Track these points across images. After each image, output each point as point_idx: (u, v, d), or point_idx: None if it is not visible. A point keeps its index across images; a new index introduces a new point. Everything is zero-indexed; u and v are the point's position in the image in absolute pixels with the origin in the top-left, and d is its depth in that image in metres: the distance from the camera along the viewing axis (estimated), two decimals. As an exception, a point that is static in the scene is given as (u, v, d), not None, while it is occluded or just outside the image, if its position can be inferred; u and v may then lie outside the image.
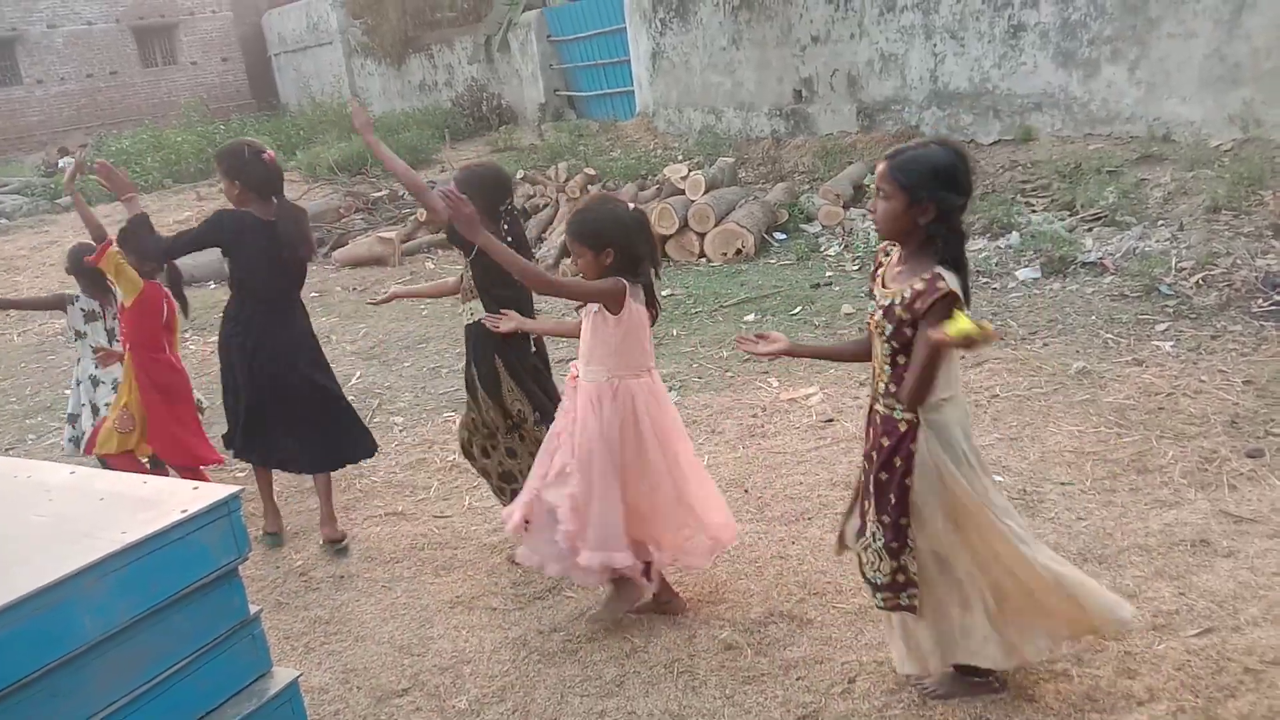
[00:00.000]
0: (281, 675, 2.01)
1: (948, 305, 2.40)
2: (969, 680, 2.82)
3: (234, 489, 1.89)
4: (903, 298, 2.49)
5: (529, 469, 3.50)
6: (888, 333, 2.56)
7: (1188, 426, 4.39)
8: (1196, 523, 3.62)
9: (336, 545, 4.27)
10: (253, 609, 1.96)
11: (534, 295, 3.78)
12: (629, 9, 13.10)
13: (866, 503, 2.73)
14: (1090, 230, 7.31)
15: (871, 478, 2.68)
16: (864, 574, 2.78)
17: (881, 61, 10.09)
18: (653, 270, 3.24)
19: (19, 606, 1.55)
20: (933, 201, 2.45)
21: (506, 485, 3.90)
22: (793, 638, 3.23)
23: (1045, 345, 5.60)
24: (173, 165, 17.76)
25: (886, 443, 2.63)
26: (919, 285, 2.46)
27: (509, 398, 3.73)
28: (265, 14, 25.91)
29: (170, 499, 1.87)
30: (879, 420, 2.68)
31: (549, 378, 3.92)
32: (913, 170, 2.46)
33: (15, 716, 1.56)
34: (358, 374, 6.63)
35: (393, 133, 15.74)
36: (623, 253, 3.09)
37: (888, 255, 2.69)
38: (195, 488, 1.92)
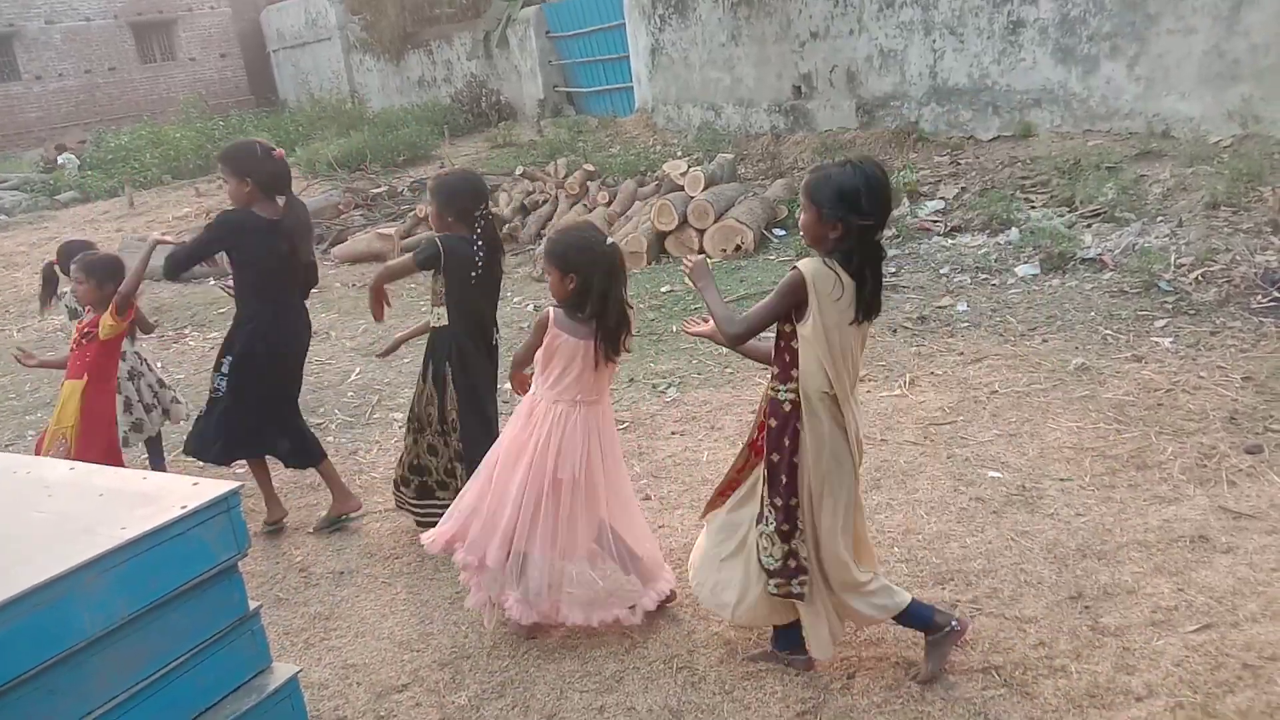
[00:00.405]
0: (281, 671, 2.01)
1: (791, 286, 2.68)
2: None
3: (234, 485, 1.89)
4: None
5: (440, 472, 3.95)
6: None
7: (1187, 422, 4.39)
8: (1195, 519, 3.62)
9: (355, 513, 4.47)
10: (252, 605, 1.96)
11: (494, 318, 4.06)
12: (628, 5, 13.08)
13: (763, 488, 2.87)
14: (1089, 226, 7.31)
15: (764, 460, 2.86)
16: (759, 561, 2.90)
17: (881, 57, 10.08)
18: (611, 307, 3.20)
19: (19, 602, 1.55)
20: (839, 220, 2.64)
21: (413, 477, 4.06)
22: (792, 633, 3.23)
23: (1044, 341, 5.60)
24: (171, 161, 17.76)
25: (774, 424, 2.82)
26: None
27: (449, 405, 3.91)
28: (264, 10, 25.87)
29: (170, 495, 1.87)
30: (766, 405, 2.88)
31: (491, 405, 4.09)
32: (821, 189, 2.67)
33: (16, 712, 1.56)
34: (357, 370, 6.62)
35: (391, 129, 15.74)
36: (582, 280, 3.18)
37: None
38: (195, 483, 1.92)
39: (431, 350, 3.97)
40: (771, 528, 2.85)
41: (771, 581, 2.88)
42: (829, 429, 2.77)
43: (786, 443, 2.80)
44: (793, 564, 2.84)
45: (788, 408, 2.80)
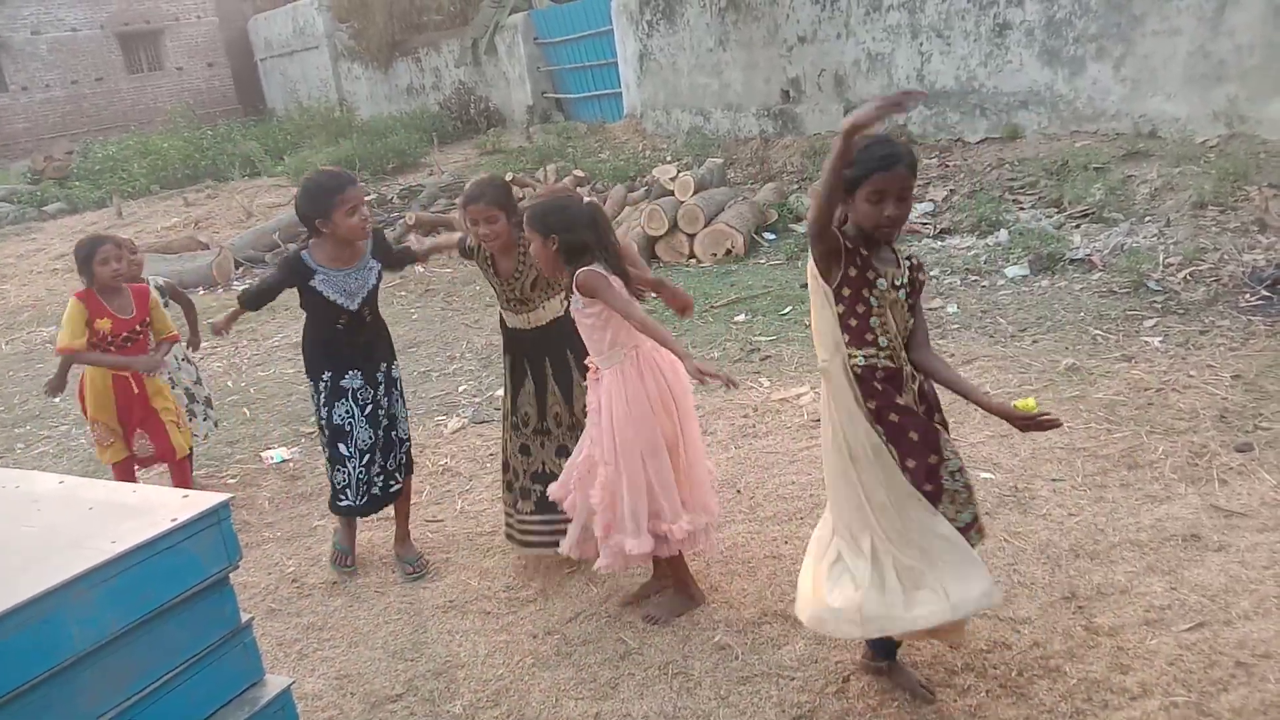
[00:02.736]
0: (274, 683, 2.00)
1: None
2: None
3: (224, 496, 1.88)
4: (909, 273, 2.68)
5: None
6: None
7: (1177, 422, 4.40)
8: (1187, 517, 3.63)
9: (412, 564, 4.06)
10: (244, 617, 1.95)
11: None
12: (616, 11, 13.10)
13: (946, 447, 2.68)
14: (1078, 227, 7.34)
15: (937, 416, 2.74)
16: (954, 520, 2.64)
17: (868, 61, 10.11)
18: (611, 252, 3.23)
19: (8, 618, 1.54)
20: None
21: (536, 485, 3.76)
22: (786, 638, 3.23)
23: (1035, 342, 5.62)
24: (160, 171, 17.71)
25: (928, 387, 2.75)
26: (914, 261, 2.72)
27: (579, 395, 3.69)
28: (251, 19, 25.85)
29: (160, 507, 1.86)
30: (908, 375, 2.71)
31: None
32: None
33: (5, 729, 1.55)
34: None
35: (381, 137, 15.73)
36: (566, 241, 3.19)
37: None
38: (185, 496, 1.91)
39: (540, 349, 3.75)
40: (962, 481, 2.68)
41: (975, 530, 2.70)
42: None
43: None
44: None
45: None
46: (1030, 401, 2.54)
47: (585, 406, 3.59)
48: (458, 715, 3.08)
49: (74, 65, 25.55)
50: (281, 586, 4.06)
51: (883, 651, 2.91)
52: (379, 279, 3.90)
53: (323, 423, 3.92)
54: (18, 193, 17.73)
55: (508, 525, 3.96)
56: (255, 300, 3.91)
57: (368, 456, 3.90)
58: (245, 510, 4.83)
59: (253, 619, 1.96)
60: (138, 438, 4.57)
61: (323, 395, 3.88)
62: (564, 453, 3.69)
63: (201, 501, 1.86)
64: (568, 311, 3.48)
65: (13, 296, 11.14)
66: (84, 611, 1.64)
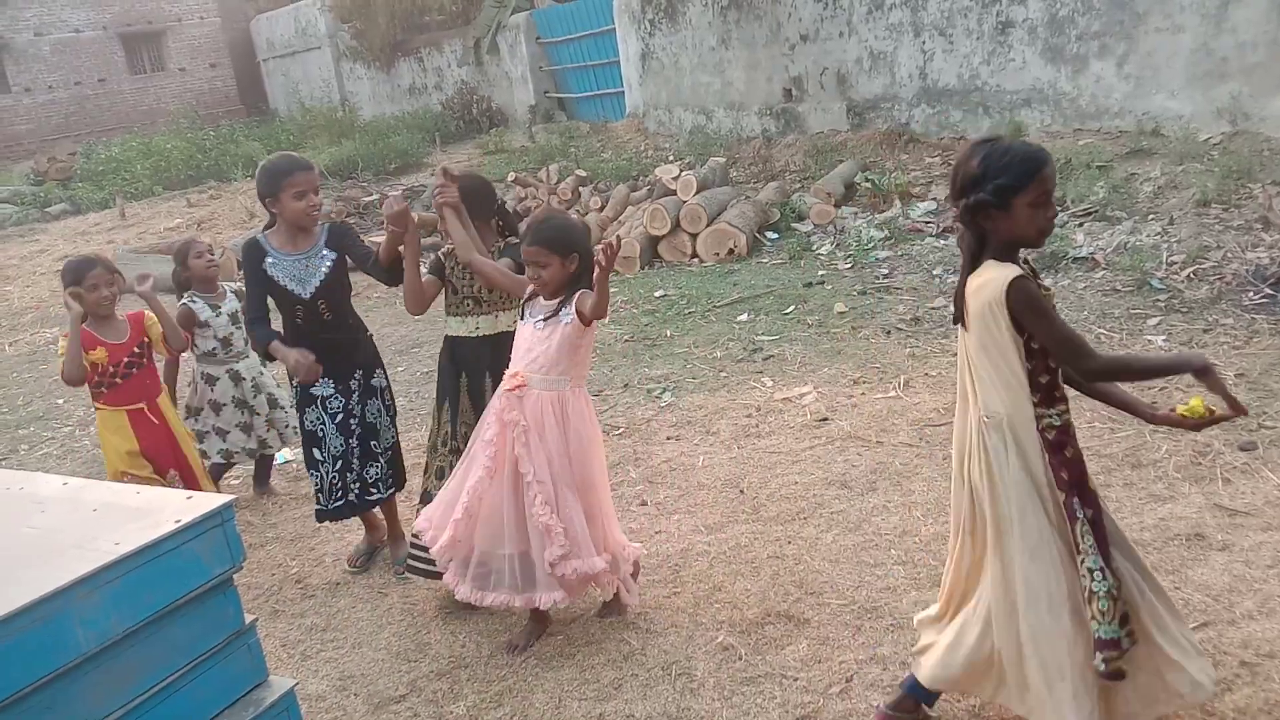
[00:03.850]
0: (278, 684, 2.00)
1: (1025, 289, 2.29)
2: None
3: (227, 498, 1.88)
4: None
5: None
6: None
7: (1181, 420, 4.39)
8: (1191, 517, 3.63)
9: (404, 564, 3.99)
10: (248, 618, 1.95)
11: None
12: (618, 10, 13.10)
13: (1087, 542, 2.32)
14: (1081, 225, 7.33)
15: (1086, 510, 2.33)
16: (1098, 634, 2.30)
17: (871, 59, 10.10)
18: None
19: (12, 620, 1.54)
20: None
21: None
22: (790, 638, 3.23)
23: (1038, 341, 5.60)
24: (162, 172, 17.74)
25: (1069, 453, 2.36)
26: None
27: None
28: (253, 19, 25.87)
29: (163, 509, 1.86)
30: (1058, 437, 2.37)
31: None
32: (1006, 164, 2.28)
33: (10, 731, 1.55)
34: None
35: (383, 137, 15.74)
36: (585, 259, 3.19)
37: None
38: (189, 497, 1.91)
39: (477, 362, 3.66)
40: (1107, 586, 2.28)
41: (1101, 656, 2.27)
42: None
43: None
44: (1126, 630, 2.30)
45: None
46: (1196, 402, 2.22)
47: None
48: (461, 716, 3.08)
49: (77, 66, 25.59)
50: (285, 588, 4.07)
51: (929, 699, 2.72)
52: (335, 270, 3.77)
53: (298, 426, 3.96)
54: (21, 194, 17.77)
55: (411, 558, 3.76)
56: (256, 320, 3.78)
57: (340, 463, 3.86)
58: (249, 511, 4.84)
59: (256, 620, 1.96)
60: (171, 479, 4.14)
61: (295, 400, 3.91)
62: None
63: (205, 503, 1.87)
64: (511, 329, 3.45)
65: (16, 298, 11.16)
66: (88, 613, 1.64)
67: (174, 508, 1.86)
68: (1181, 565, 3.34)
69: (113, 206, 16.02)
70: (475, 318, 3.66)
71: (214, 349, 4.72)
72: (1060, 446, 2.34)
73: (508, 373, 3.26)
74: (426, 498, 3.64)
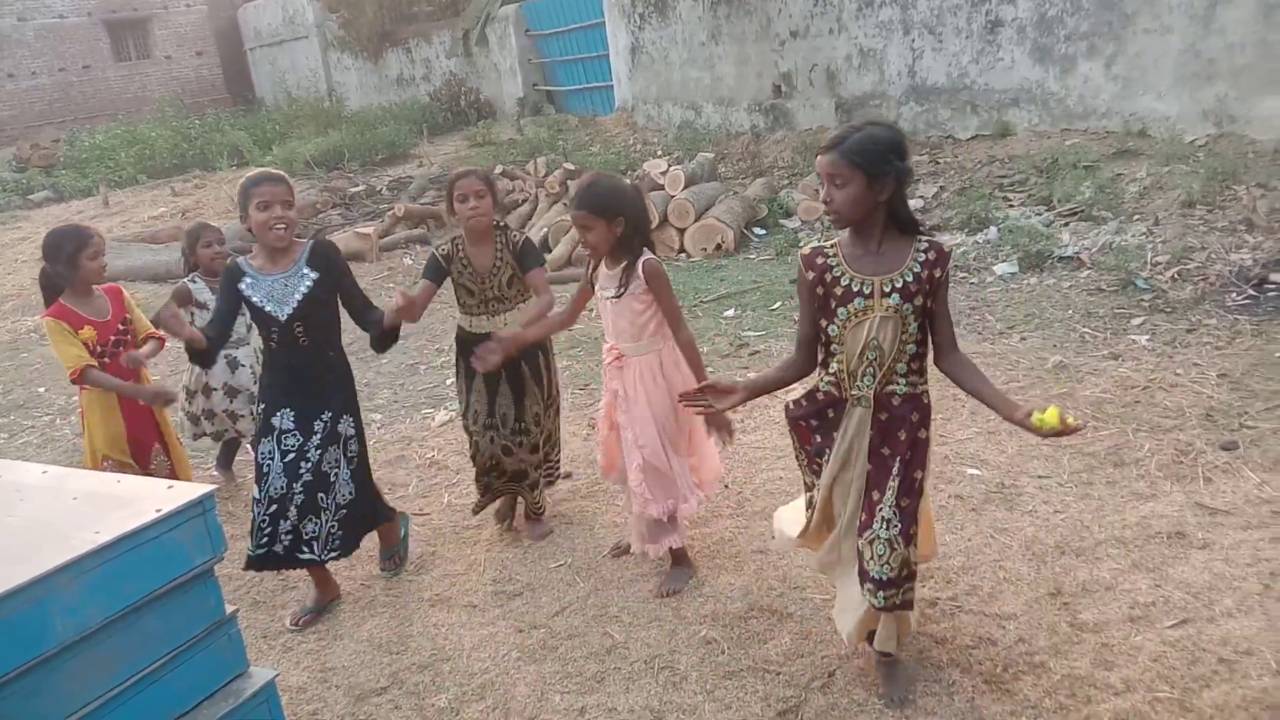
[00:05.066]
0: (258, 675, 1.99)
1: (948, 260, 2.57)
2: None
3: (209, 488, 1.87)
4: (914, 274, 2.54)
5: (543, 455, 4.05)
6: (910, 312, 2.57)
7: (1163, 420, 4.42)
8: (1172, 515, 3.65)
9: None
10: (229, 608, 1.94)
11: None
12: (608, 3, 13.08)
13: (877, 493, 2.67)
14: (1067, 225, 7.36)
15: (899, 461, 2.64)
16: (867, 571, 2.68)
17: (860, 57, 10.12)
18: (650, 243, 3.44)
19: (-10, 608, 1.53)
20: (892, 174, 2.47)
21: (516, 484, 4.08)
22: (772, 632, 3.24)
23: (1023, 340, 5.63)
24: (147, 161, 17.63)
25: (916, 418, 2.66)
26: (930, 256, 2.55)
27: (551, 381, 4.00)
28: (241, 7, 25.70)
29: (145, 498, 1.85)
30: (897, 402, 2.65)
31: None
32: (865, 149, 2.46)
33: (-13, 719, 1.54)
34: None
35: (370, 128, 15.67)
36: (632, 221, 3.27)
37: (829, 255, 2.63)
38: (170, 487, 1.90)
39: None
40: (895, 531, 2.64)
41: (882, 594, 2.66)
42: None
43: (923, 436, 2.67)
44: (906, 571, 2.66)
45: (925, 400, 2.69)
46: (1051, 414, 2.39)
47: (536, 412, 3.93)
48: (443, 708, 3.08)
49: (61, 53, 25.35)
50: (266, 578, 4.04)
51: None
52: (316, 291, 3.49)
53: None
54: (3, 181, 17.63)
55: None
56: (216, 339, 3.51)
57: (275, 506, 3.48)
58: (230, 502, 4.82)
59: (237, 611, 1.96)
60: (155, 455, 4.09)
61: (255, 425, 3.67)
62: (508, 451, 3.95)
63: (186, 493, 1.86)
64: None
65: (-2, 285, 11.06)
66: (68, 601, 1.63)
67: (155, 497, 1.85)
68: (1162, 563, 3.36)
69: (96, 194, 15.89)
70: (497, 316, 3.85)
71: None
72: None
73: (605, 345, 3.47)
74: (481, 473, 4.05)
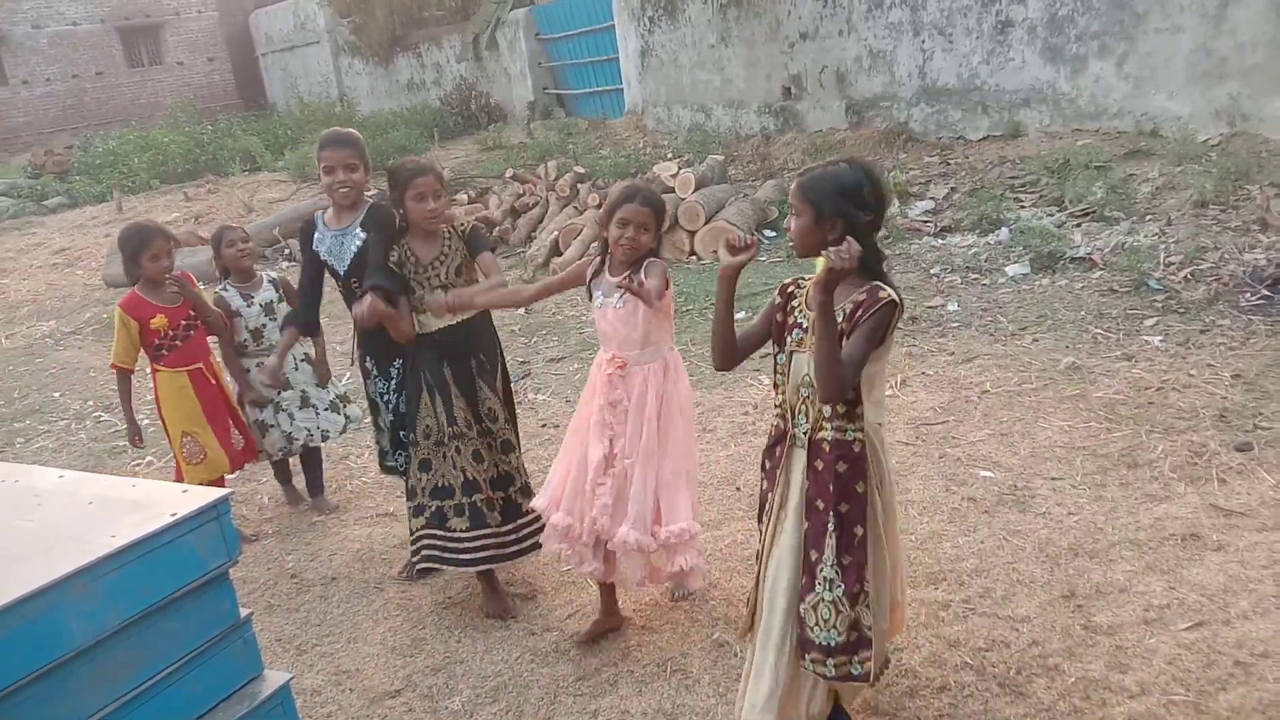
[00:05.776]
0: (273, 678, 2.00)
1: (890, 313, 2.36)
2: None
3: (224, 492, 1.88)
4: (845, 313, 2.41)
5: (508, 466, 3.62)
6: None
7: (1177, 421, 4.40)
8: (1186, 517, 3.63)
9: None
10: (243, 612, 1.95)
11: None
12: (617, 6, 13.08)
13: (814, 552, 2.48)
14: (1079, 226, 7.33)
15: (832, 514, 2.45)
16: (812, 639, 2.48)
17: (870, 58, 10.10)
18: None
19: (7, 612, 1.54)
20: (840, 217, 2.40)
21: (434, 501, 3.54)
22: (785, 635, 3.23)
23: (1035, 341, 5.62)
24: (160, 166, 17.71)
25: (844, 468, 2.46)
26: (859, 297, 2.39)
27: (483, 400, 3.60)
28: (252, 13, 25.80)
29: (160, 502, 1.85)
30: (827, 449, 2.47)
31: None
32: (817, 187, 2.44)
33: (4, 723, 1.55)
34: (347, 374, 6.60)
35: (381, 132, 15.71)
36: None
37: (800, 286, 2.62)
38: (185, 490, 1.91)
39: (468, 345, 3.59)
40: (839, 592, 2.45)
41: (831, 661, 2.46)
42: (886, 466, 2.55)
43: (859, 489, 2.46)
44: (855, 636, 2.46)
45: (858, 448, 2.46)
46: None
47: (491, 407, 3.58)
48: (456, 711, 3.09)
49: (74, 59, 25.52)
50: (280, 582, 4.07)
51: None
52: (364, 250, 3.62)
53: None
54: (18, 187, 17.73)
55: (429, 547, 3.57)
56: (301, 297, 3.97)
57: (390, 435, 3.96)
58: (245, 506, 4.84)
59: (252, 614, 1.96)
60: (232, 432, 4.38)
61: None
62: (479, 457, 3.54)
63: (201, 496, 1.86)
64: (482, 313, 3.61)
65: (12, 291, 11.14)
66: (83, 606, 1.64)
67: (170, 501, 1.86)
68: (1177, 565, 3.34)
69: (110, 200, 15.98)
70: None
71: (245, 340, 4.51)
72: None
73: (604, 356, 3.20)
74: (412, 493, 3.59)
